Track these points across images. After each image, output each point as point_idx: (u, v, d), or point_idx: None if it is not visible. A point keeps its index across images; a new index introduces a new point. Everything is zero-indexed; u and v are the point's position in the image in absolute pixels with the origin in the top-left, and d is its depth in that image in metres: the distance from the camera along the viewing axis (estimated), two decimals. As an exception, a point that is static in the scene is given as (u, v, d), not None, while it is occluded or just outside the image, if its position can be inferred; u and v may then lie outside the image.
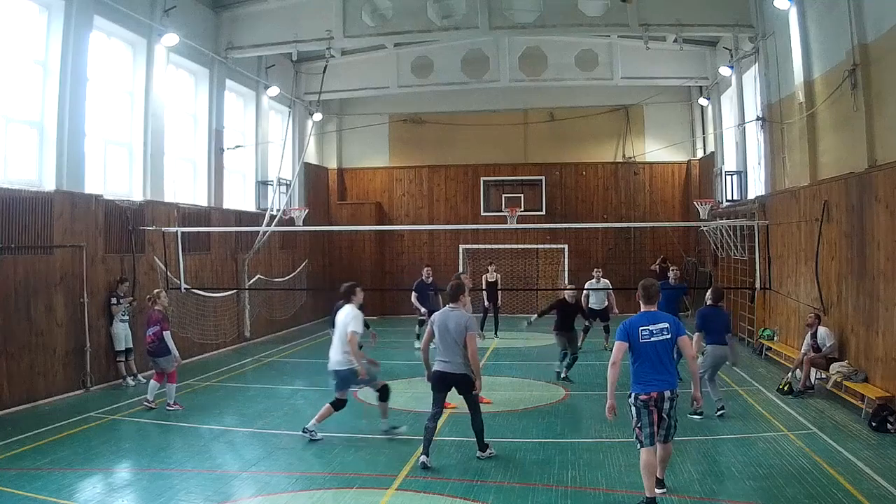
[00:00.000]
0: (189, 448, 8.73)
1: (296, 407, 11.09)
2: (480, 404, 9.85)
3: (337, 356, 8.87)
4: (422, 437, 7.89)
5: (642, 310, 6.68)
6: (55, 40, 11.97)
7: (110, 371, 12.59)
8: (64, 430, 9.41)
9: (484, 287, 17.97)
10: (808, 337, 11.40)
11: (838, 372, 10.42)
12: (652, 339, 6.48)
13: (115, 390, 12.10)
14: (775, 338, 14.43)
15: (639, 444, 6.56)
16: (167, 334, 10.53)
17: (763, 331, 14.93)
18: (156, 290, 11.29)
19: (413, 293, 15.80)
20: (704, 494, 6.91)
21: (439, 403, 8.16)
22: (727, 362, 10.65)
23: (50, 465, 7.97)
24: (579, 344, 14.24)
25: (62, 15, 11.97)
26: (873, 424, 8.91)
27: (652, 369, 6.47)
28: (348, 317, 8.85)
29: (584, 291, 15.51)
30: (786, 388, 11.16)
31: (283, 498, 7.01)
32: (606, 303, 15.77)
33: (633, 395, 6.54)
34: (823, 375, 10.88)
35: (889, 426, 8.74)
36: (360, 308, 9.09)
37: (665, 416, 6.52)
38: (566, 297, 13.01)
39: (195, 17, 16.09)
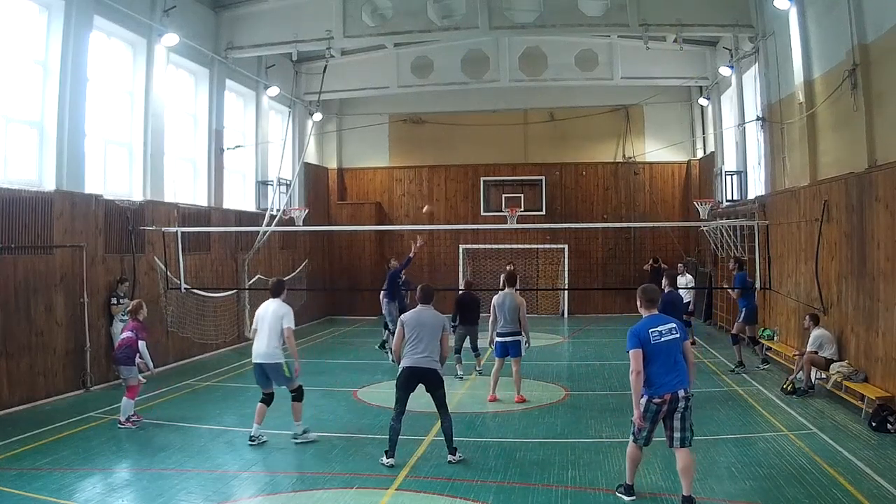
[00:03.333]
0: (189, 448, 8.72)
1: (296, 407, 11.09)
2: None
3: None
4: (420, 438, 7.86)
5: (645, 315, 6.69)
6: (55, 40, 11.96)
7: (110, 371, 12.56)
8: (64, 430, 9.41)
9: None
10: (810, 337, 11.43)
11: (838, 372, 10.41)
12: (662, 339, 6.49)
13: (115, 390, 12.06)
14: (775, 338, 14.42)
15: (632, 437, 6.70)
16: (142, 344, 9.71)
17: (763, 331, 14.92)
18: (135, 301, 10.32)
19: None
20: (704, 494, 6.90)
21: (404, 402, 8.07)
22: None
23: (50, 465, 7.97)
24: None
25: (62, 15, 11.97)
26: (873, 424, 8.91)
27: (665, 370, 6.46)
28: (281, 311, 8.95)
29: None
30: (789, 388, 11.17)
31: (283, 498, 7.01)
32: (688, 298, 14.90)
33: (646, 398, 6.50)
34: (823, 375, 10.87)
35: (889, 426, 8.73)
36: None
37: (679, 417, 6.49)
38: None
39: (195, 17, 16.09)
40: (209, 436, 9.29)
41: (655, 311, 6.71)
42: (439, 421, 8.08)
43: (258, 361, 8.81)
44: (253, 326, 9.12)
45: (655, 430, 6.59)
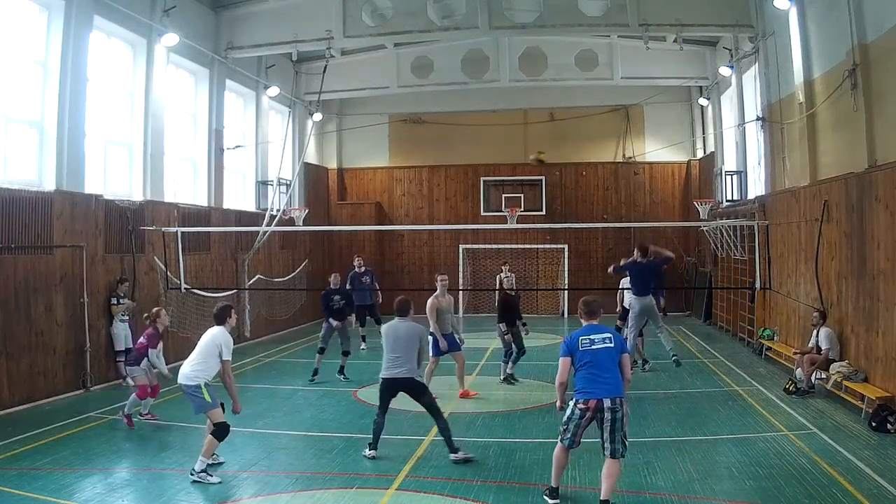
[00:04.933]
0: (189, 448, 8.70)
1: (296, 407, 11.11)
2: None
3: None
4: (420, 438, 7.83)
5: (584, 324, 6.79)
6: (55, 40, 11.96)
7: (110, 371, 12.60)
8: (64, 430, 9.41)
9: (497, 287, 18.00)
10: (813, 335, 11.43)
11: (838, 372, 10.41)
12: (593, 346, 6.55)
13: (115, 390, 12.10)
14: (775, 338, 14.42)
15: (559, 438, 6.70)
16: (153, 353, 9.68)
17: (763, 331, 14.93)
18: (155, 309, 10.21)
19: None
20: (704, 494, 6.91)
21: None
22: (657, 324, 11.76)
23: (50, 465, 7.97)
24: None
25: (62, 15, 11.97)
26: (873, 424, 8.90)
27: (592, 376, 6.50)
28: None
29: (620, 291, 14.44)
30: (791, 388, 11.17)
31: (283, 498, 7.01)
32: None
33: (573, 402, 6.59)
34: (823, 375, 10.87)
35: (889, 426, 8.73)
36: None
37: (609, 428, 6.42)
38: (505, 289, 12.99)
39: (195, 17, 16.09)
40: (209, 436, 9.28)
41: (595, 322, 6.79)
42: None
43: (178, 382, 7.90)
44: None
45: (582, 435, 6.59)
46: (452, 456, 7.95)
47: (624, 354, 6.67)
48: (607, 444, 6.44)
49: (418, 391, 8.22)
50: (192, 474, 7.48)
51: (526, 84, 21.00)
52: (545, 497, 6.79)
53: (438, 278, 11.44)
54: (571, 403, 6.58)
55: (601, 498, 6.38)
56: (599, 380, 6.46)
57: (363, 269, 16.07)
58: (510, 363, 12.41)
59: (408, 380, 8.16)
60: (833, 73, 11.45)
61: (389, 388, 8.25)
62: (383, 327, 8.56)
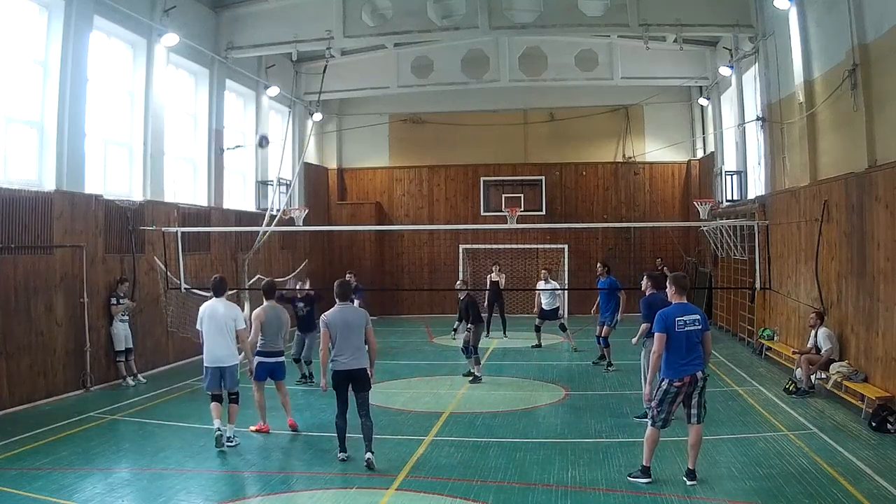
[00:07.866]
0: (189, 448, 8.72)
1: (296, 406, 11.08)
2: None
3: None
4: (420, 438, 7.77)
5: (675, 301, 7.22)
6: (55, 40, 11.96)
7: (110, 371, 12.60)
8: (64, 430, 9.41)
9: (487, 287, 18.06)
10: (811, 336, 11.44)
11: (838, 372, 10.42)
12: (686, 328, 7.02)
13: (115, 390, 12.11)
14: (775, 338, 14.43)
15: (650, 422, 7.17)
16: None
17: (763, 331, 14.93)
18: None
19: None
20: (705, 494, 6.91)
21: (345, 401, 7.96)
22: None
23: (50, 465, 7.97)
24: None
25: (62, 15, 11.96)
26: (873, 424, 8.90)
27: (685, 355, 6.98)
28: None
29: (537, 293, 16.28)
30: (791, 388, 11.17)
31: (282, 498, 7.01)
32: (557, 304, 16.29)
33: (666, 380, 7.00)
34: (823, 375, 10.87)
35: (889, 426, 8.73)
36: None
37: (696, 396, 7.02)
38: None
39: (195, 17, 16.07)
40: (209, 436, 9.24)
41: (685, 300, 7.23)
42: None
43: (220, 366, 8.76)
44: (198, 327, 8.95)
45: (674, 413, 7.08)
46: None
47: (706, 332, 7.19)
48: (693, 411, 7.08)
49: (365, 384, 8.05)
50: (229, 443, 8.43)
51: (526, 84, 20.99)
52: (636, 479, 7.15)
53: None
54: (665, 384, 7.01)
55: (689, 467, 7.10)
56: (689, 357, 7.01)
57: (354, 284, 15.82)
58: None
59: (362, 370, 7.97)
60: (833, 73, 11.45)
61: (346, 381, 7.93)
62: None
